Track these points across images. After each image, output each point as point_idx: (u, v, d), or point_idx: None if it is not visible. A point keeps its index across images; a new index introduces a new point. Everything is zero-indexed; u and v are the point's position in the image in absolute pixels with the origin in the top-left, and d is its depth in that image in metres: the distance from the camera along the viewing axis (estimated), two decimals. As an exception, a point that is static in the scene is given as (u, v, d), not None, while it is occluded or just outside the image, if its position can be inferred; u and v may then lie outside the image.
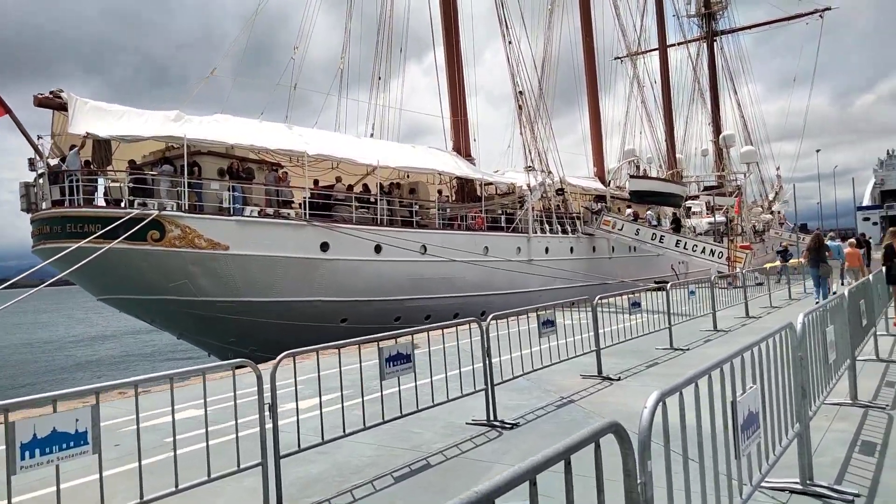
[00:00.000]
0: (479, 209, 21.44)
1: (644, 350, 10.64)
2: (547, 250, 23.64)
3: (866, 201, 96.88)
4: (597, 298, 9.19)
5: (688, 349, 10.99)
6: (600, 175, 34.19)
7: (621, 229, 24.69)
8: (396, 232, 17.80)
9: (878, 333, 9.20)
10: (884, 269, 11.15)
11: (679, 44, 56.42)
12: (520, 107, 24.19)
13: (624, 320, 10.62)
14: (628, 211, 29.61)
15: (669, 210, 33.94)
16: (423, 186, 23.34)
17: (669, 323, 11.28)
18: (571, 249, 25.02)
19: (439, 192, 22.69)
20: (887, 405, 6.55)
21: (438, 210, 19.62)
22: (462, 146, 26.84)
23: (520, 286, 21.77)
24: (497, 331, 7.23)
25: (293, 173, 18.95)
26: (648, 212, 27.70)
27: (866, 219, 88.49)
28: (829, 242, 25.08)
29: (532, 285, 22.29)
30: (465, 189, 26.23)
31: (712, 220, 35.80)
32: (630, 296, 10.68)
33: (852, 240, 31.56)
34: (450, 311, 18.78)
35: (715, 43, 61.31)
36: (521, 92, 24.99)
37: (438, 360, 6.83)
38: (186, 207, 14.40)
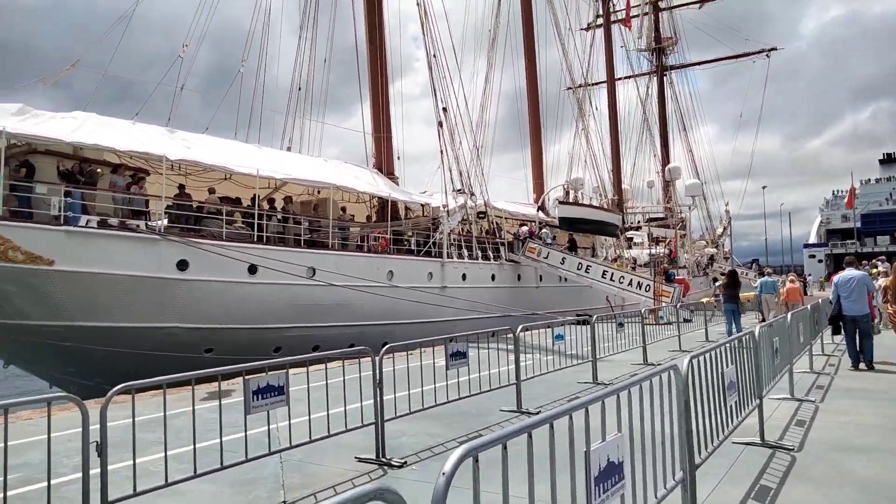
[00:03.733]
0: (384, 230, 19.42)
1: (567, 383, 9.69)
2: (464, 277, 21.72)
3: (812, 239, 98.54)
4: (519, 328, 8.24)
5: (611, 383, 9.37)
6: (542, 202, 32.69)
7: (546, 257, 22.96)
8: (275, 251, 15.61)
9: (794, 371, 8.74)
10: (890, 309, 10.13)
11: (628, 77, 56.22)
12: (440, 123, 22.41)
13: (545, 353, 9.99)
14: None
15: (606, 239, 32.58)
16: (333, 204, 21.29)
17: (594, 356, 10.33)
18: (493, 277, 23.16)
19: (343, 209, 20.63)
20: (794, 446, 6.13)
21: (332, 230, 17.47)
22: (385, 164, 24.98)
23: (430, 315, 19.71)
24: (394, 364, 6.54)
25: (171, 182, 16.71)
26: (544, 230, 25.97)
27: (812, 256, 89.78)
28: (765, 279, 24.08)
29: (445, 315, 20.26)
30: (387, 210, 24.32)
31: (651, 251, 34.59)
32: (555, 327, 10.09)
33: (793, 275, 30.58)
34: (343, 342, 16.56)
35: (665, 77, 61.56)
36: (444, 108, 23.27)
37: (327, 395, 5.75)
38: (0, 213, 12.00)
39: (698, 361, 4.45)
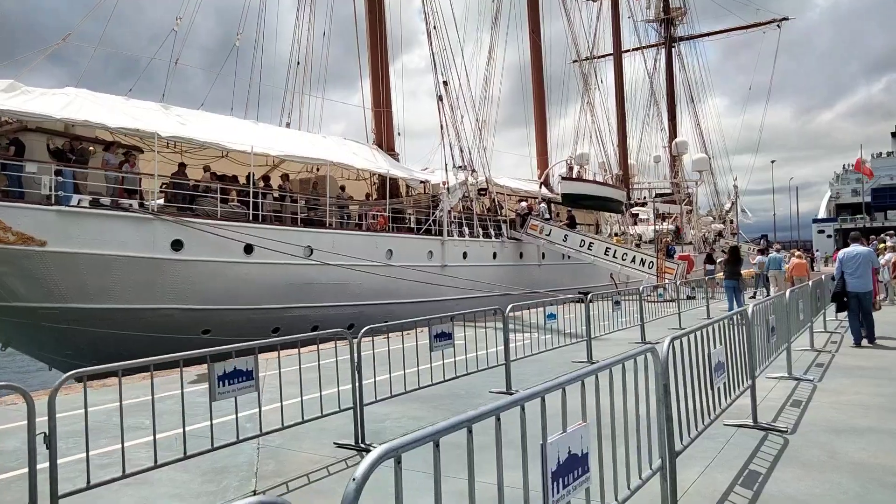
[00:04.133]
0: (383, 207, 19.20)
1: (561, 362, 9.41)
2: (465, 255, 21.52)
3: (821, 214, 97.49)
4: (508, 308, 8.05)
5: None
6: (545, 179, 32.28)
7: (549, 234, 22.70)
8: (272, 230, 15.45)
9: (793, 349, 8.54)
10: None
11: (635, 49, 55.20)
12: (440, 98, 22.03)
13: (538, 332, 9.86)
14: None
15: (610, 216, 32.23)
16: (332, 181, 21.06)
17: (589, 335, 10.06)
18: (494, 255, 22.95)
19: (342, 188, 20.40)
20: (787, 428, 5.94)
21: (329, 208, 17.25)
22: (385, 140, 24.68)
23: (431, 294, 19.57)
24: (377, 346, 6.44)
25: (167, 160, 16.53)
26: (541, 205, 25.63)
27: (821, 231, 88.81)
28: (772, 254, 23.77)
29: (445, 294, 20.12)
30: (388, 187, 24.08)
31: (657, 228, 34.22)
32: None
33: (798, 251, 30.24)
34: (342, 322, 16.45)
35: (673, 49, 60.42)
36: (445, 82, 22.87)
37: (300, 379, 5.62)
38: (-10, 193, 11.88)
39: (681, 343, 4.27)
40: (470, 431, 2.41)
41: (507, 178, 30.21)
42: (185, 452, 4.44)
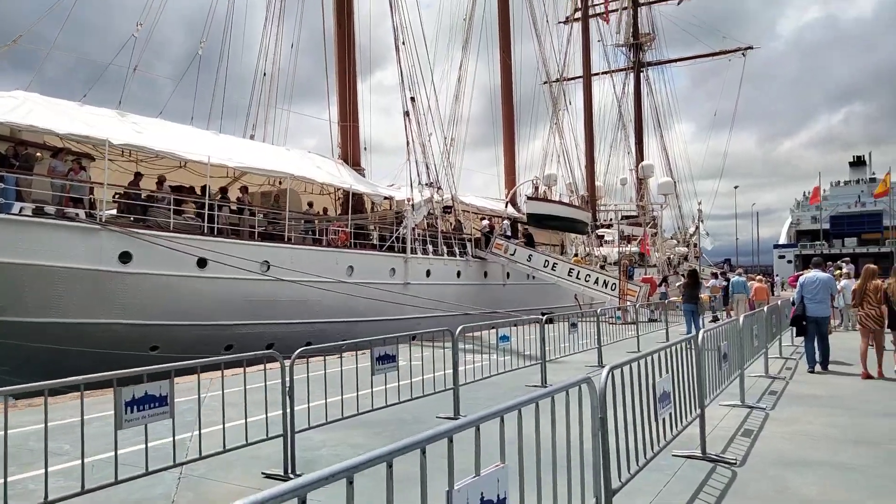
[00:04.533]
0: (345, 223, 18.87)
1: (513, 386, 9.11)
2: (428, 273, 21.26)
3: (783, 240, 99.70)
4: (459, 329, 7.79)
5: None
6: (513, 198, 32.31)
7: (513, 254, 22.60)
8: (227, 244, 14.99)
9: (746, 376, 8.42)
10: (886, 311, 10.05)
11: (605, 73, 56.08)
12: (406, 113, 21.87)
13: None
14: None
15: (576, 237, 32.34)
16: (293, 195, 20.67)
17: (543, 358, 9.80)
18: (459, 274, 22.74)
19: (310, 203, 20.04)
20: (736, 459, 5.74)
21: (288, 222, 16.86)
22: (351, 154, 24.39)
23: (393, 313, 19.23)
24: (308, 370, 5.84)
25: (122, 169, 15.99)
26: (504, 222, 25.62)
27: (781, 256, 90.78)
28: (735, 278, 24.05)
29: (407, 312, 19.80)
30: (352, 202, 23.75)
31: (622, 249, 34.45)
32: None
33: (760, 276, 30.66)
34: (300, 340, 16.01)
35: (641, 74, 61.58)
36: (412, 98, 22.74)
37: (223, 404, 5.23)
38: (-79, 199, 11.25)
39: (621, 372, 4.07)
40: (389, 466, 2.20)
41: (475, 196, 30.16)
42: (82, 487, 4.04)
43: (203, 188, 15.58)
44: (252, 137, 23.59)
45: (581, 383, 3.57)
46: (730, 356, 6.93)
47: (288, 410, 5.11)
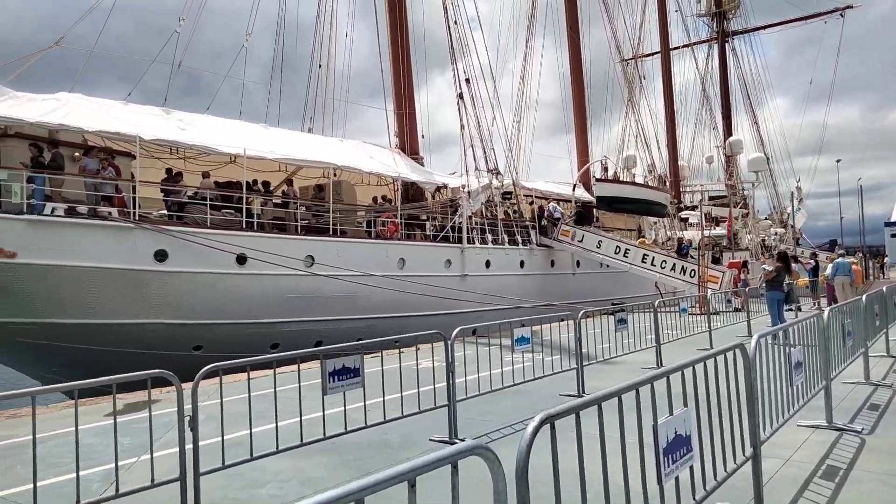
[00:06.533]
0: (394, 213, 17.93)
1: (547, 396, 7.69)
2: (488, 264, 20.02)
3: (895, 217, 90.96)
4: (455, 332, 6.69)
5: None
6: (585, 181, 30.41)
7: (581, 240, 20.95)
8: (267, 239, 14.38)
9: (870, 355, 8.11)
10: None
11: (685, 46, 52.45)
12: (460, 95, 20.65)
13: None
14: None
15: (656, 221, 30.09)
16: (348, 187, 19.98)
17: (580, 363, 8.19)
18: (522, 264, 21.34)
19: (375, 198, 19.26)
20: (863, 428, 5.77)
21: (332, 214, 16.07)
22: (408, 143, 23.50)
23: (449, 307, 18.15)
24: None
25: (176, 167, 15.75)
26: (551, 204, 23.62)
27: (894, 235, 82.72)
28: (840, 260, 21.33)
29: (466, 306, 18.66)
30: (411, 193, 22.86)
31: (709, 232, 31.74)
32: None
33: (853, 258, 27.32)
34: (350, 336, 15.22)
35: (727, 45, 57.26)
36: (467, 80, 21.50)
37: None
38: (-46, 202, 11.20)
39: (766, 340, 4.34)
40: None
41: (544, 181, 28.56)
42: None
43: (235, 182, 15.03)
44: (310, 130, 23.18)
45: (735, 349, 3.91)
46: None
47: (188, 447, 4.06)
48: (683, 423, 3.00)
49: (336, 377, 4.87)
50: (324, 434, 5.03)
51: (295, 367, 5.42)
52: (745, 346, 4.00)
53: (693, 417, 3.11)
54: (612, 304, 16.57)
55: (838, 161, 60.86)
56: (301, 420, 4.94)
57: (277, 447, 4.80)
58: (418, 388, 5.89)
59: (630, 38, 39.87)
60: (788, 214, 52.57)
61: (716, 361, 3.67)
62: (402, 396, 5.79)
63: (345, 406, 5.20)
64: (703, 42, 54.83)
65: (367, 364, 5.73)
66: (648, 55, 48.21)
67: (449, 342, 5.70)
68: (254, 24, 18.17)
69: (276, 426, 4.87)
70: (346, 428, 5.12)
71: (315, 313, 15.50)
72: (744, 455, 3.81)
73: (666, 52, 47.52)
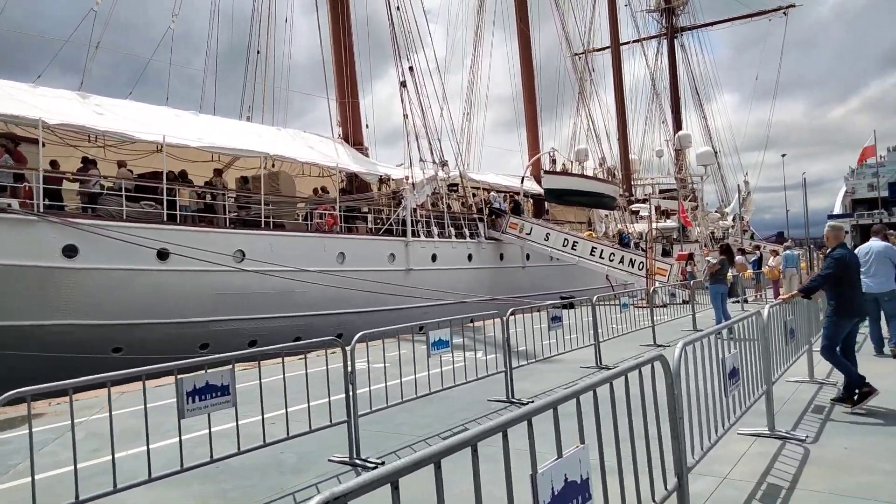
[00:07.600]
0: (333, 206, 17.11)
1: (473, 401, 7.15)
2: (434, 258, 19.40)
3: (837, 210, 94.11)
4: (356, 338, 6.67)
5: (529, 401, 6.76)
6: (536, 174, 30.03)
7: (529, 233, 20.52)
8: (191, 233, 13.41)
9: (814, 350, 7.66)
10: None
11: (635, 41, 52.75)
12: (403, 84, 19.93)
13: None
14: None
15: (606, 213, 29.99)
16: (286, 178, 19.02)
17: (508, 365, 7.34)
18: (470, 257, 20.80)
19: (316, 189, 18.38)
20: (807, 436, 5.32)
21: (264, 206, 15.17)
22: (351, 133, 22.68)
23: (394, 303, 17.44)
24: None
25: (95, 156, 14.57)
26: (492, 194, 23.27)
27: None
28: (788, 252, 21.43)
29: (411, 301, 18.00)
30: (356, 185, 22.04)
31: (658, 225, 31.87)
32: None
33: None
34: (286, 336, 14.42)
35: (676, 40, 57.96)
36: (410, 68, 20.78)
37: None
38: None
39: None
40: None
41: (494, 174, 28.08)
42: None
43: (186, 173, 14.00)
44: (249, 119, 22.12)
45: (655, 360, 3.38)
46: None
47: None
48: (578, 464, 2.42)
49: (195, 397, 4.07)
50: (211, 457, 4.29)
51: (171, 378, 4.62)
52: (667, 356, 3.42)
53: (588, 456, 2.50)
54: (562, 298, 16.13)
55: (783, 156, 62.59)
56: (180, 439, 4.19)
57: (150, 475, 4.03)
58: (329, 397, 5.19)
59: (580, 33, 39.74)
60: (727, 209, 53.41)
61: (627, 379, 3.12)
62: (309, 407, 5.07)
63: (236, 422, 4.45)
64: (653, 38, 55.33)
65: (265, 373, 5.01)
66: (599, 50, 48.38)
67: (348, 349, 4.97)
68: (180, 6, 16.91)
69: (148, 447, 4.11)
70: (239, 447, 4.37)
71: (247, 311, 14.60)
72: (665, 490, 3.30)
73: (616, 46, 47.70)
